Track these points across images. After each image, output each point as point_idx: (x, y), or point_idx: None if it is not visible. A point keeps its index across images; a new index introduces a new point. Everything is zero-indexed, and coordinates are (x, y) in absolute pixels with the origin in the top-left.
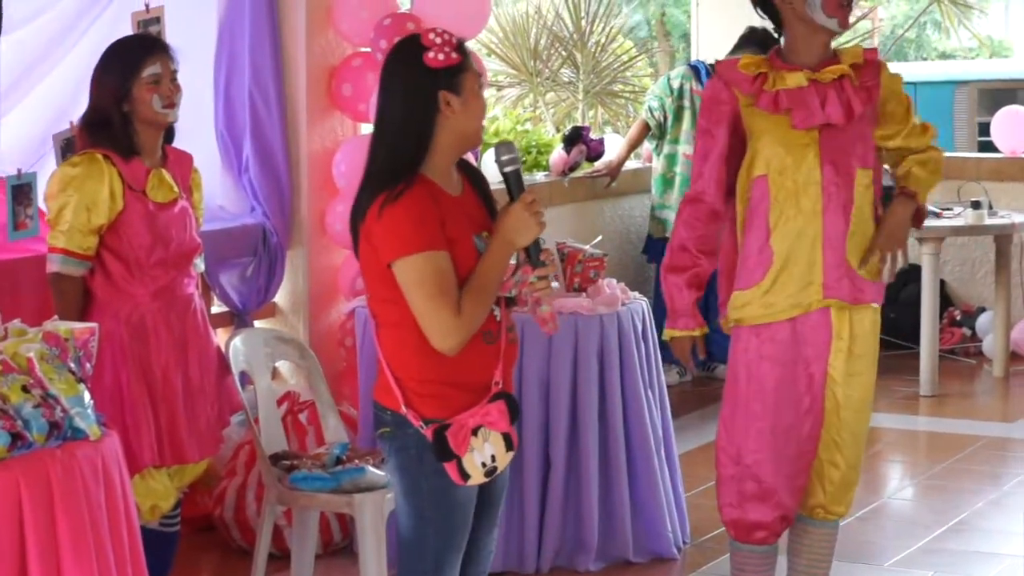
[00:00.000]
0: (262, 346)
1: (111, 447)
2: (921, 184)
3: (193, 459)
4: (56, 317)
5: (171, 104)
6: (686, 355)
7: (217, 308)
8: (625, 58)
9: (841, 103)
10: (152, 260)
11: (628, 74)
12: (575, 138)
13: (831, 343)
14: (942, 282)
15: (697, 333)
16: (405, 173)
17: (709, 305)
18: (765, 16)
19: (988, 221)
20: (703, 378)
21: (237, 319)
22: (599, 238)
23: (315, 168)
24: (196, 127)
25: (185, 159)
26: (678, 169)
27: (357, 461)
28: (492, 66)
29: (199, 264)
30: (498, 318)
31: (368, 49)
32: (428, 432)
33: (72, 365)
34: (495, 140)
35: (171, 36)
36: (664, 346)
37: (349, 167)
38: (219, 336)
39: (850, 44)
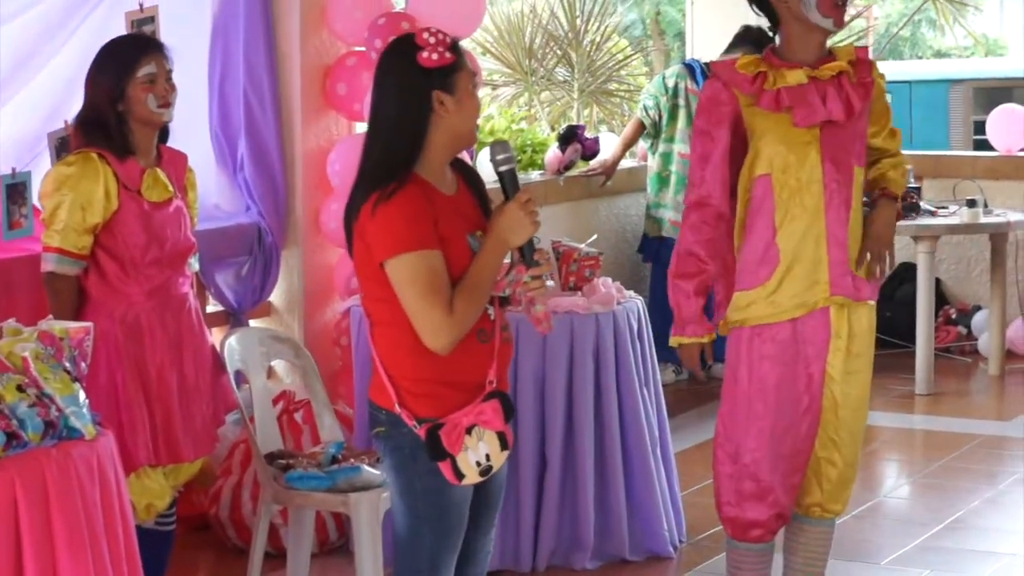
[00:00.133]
0: (257, 345)
1: (106, 446)
2: (899, 188)
3: (188, 458)
4: (51, 316)
5: (166, 104)
6: (695, 362)
7: (212, 307)
8: (620, 57)
9: (841, 100)
10: (147, 259)
11: (623, 73)
12: (570, 137)
13: (830, 342)
14: (938, 280)
15: (705, 340)
16: (399, 172)
17: (705, 307)
18: (761, 14)
19: (983, 219)
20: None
21: (232, 318)
22: (594, 237)
23: (310, 167)
24: (191, 126)
25: (180, 158)
26: (673, 168)
27: (353, 460)
28: (487, 65)
29: (194, 264)
30: (492, 317)
31: (363, 48)
32: (421, 431)
33: (67, 364)
34: (490, 139)
35: (165, 35)
36: (660, 345)
37: (344, 166)
38: (214, 335)
39: (845, 42)
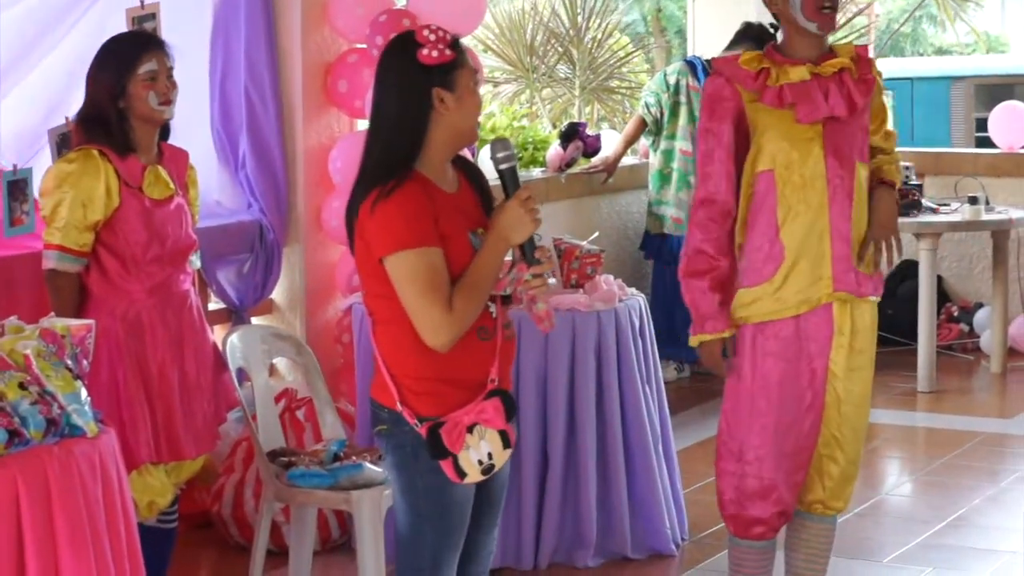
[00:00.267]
0: (259, 343)
1: (108, 444)
2: (895, 178)
3: (190, 455)
4: (53, 314)
5: (167, 101)
6: (717, 359)
7: (214, 305)
8: (621, 54)
9: (843, 96)
10: (148, 257)
11: (624, 70)
12: (571, 134)
13: (833, 338)
14: (939, 278)
15: (727, 335)
16: (399, 169)
17: None
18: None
19: (985, 217)
20: (701, 374)
21: (234, 316)
22: (596, 234)
23: (311, 164)
24: (192, 124)
25: (181, 156)
26: (675, 165)
27: (355, 458)
28: (488, 62)
29: (195, 261)
30: (494, 315)
31: (364, 45)
32: (422, 430)
33: (69, 362)
34: (491, 136)
35: (166, 32)
36: (662, 342)
37: (345, 163)
38: (216, 333)
39: (846, 40)
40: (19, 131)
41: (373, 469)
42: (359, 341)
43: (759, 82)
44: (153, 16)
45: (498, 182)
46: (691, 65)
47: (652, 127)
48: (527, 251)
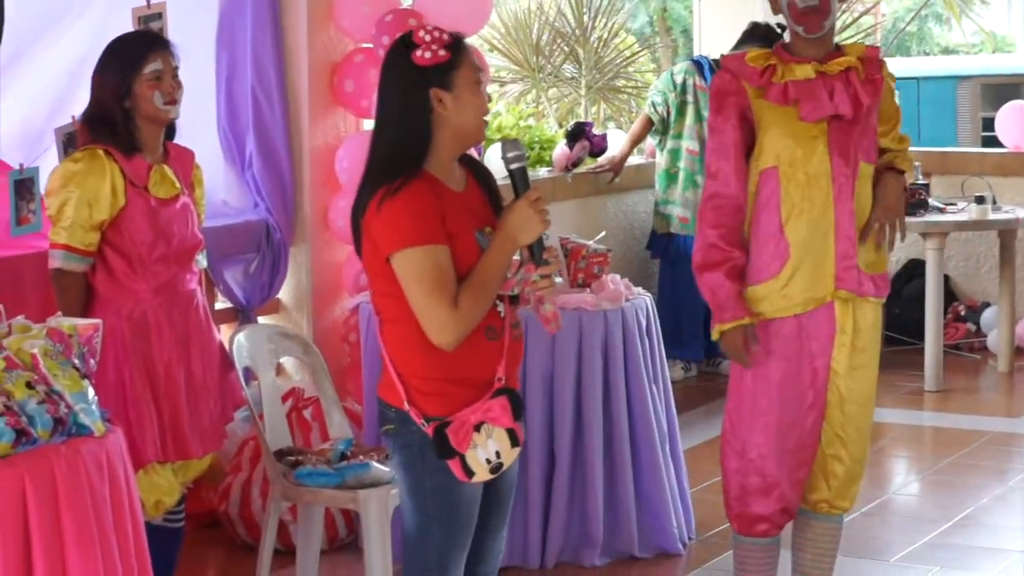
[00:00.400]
0: (266, 342)
1: (115, 443)
2: (906, 169)
3: (196, 455)
4: (60, 313)
5: (172, 101)
6: (739, 348)
7: (221, 304)
8: (628, 53)
9: (848, 95)
10: (154, 256)
11: (631, 69)
12: (578, 134)
13: (835, 337)
14: (946, 277)
15: (747, 321)
16: (406, 168)
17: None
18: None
19: (992, 216)
20: (708, 373)
21: (241, 315)
22: (602, 234)
23: (318, 164)
24: (199, 123)
25: (187, 155)
26: (681, 164)
27: (362, 457)
28: (494, 62)
29: (201, 260)
30: (502, 314)
31: (370, 45)
32: (429, 429)
33: (76, 361)
34: (498, 136)
35: (172, 31)
36: (668, 342)
37: (352, 163)
38: (223, 332)
39: (853, 39)
40: (22, 129)
41: (380, 468)
42: (366, 340)
43: (764, 78)
44: (159, 16)
45: (505, 181)
46: (698, 64)
47: (659, 126)
48: (535, 252)
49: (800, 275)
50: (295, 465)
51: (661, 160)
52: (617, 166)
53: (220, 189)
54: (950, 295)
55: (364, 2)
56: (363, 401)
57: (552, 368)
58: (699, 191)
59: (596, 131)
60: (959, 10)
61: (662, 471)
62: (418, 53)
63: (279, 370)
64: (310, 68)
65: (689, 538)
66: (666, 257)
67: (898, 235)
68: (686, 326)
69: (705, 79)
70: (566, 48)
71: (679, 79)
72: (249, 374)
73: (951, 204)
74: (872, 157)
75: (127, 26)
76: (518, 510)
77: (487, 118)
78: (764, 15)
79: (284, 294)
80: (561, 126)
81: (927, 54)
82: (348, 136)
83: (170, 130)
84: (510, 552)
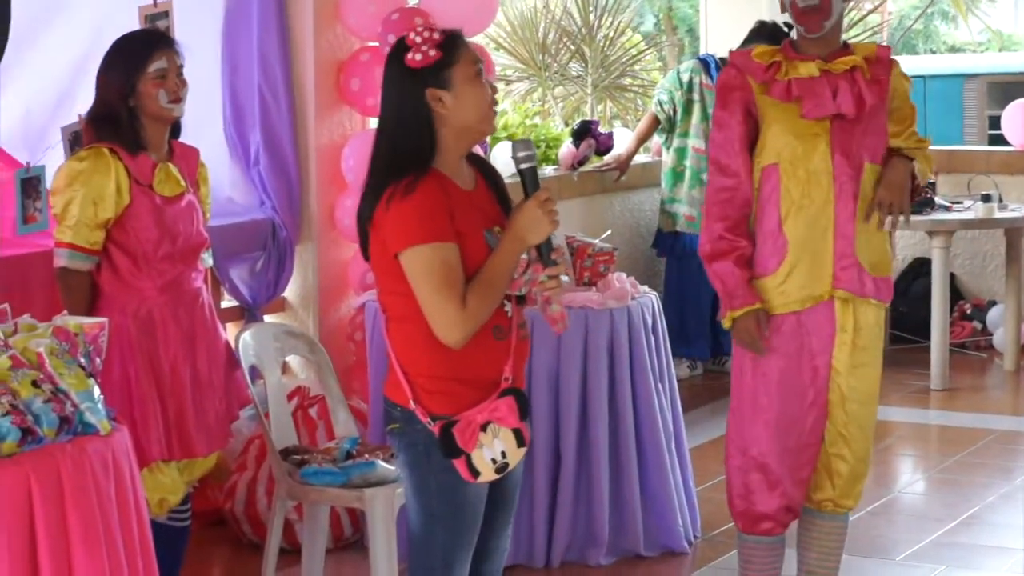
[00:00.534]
0: (272, 341)
1: (121, 441)
2: (917, 158)
3: (201, 453)
4: (65, 312)
5: (177, 99)
6: (752, 335)
7: (227, 302)
8: (634, 52)
9: (852, 94)
10: (159, 254)
11: (637, 68)
12: (584, 132)
13: (835, 335)
14: (952, 276)
15: (757, 306)
16: (414, 168)
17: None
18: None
19: (998, 214)
20: (714, 372)
21: (247, 313)
22: (608, 232)
23: (324, 162)
24: (204, 121)
25: (192, 153)
26: (688, 163)
27: (367, 455)
28: (501, 60)
29: (207, 259)
30: (509, 314)
31: (376, 43)
32: (435, 429)
33: (82, 360)
34: (504, 134)
35: (179, 30)
36: (674, 340)
37: (358, 161)
38: (229, 331)
39: (859, 37)
40: (24, 123)
41: (386, 467)
42: (372, 339)
43: (769, 75)
44: (166, 14)
45: (513, 180)
46: (704, 63)
47: (665, 125)
48: (543, 252)
49: (797, 272)
50: (301, 464)
51: (667, 158)
52: (623, 164)
53: (226, 187)
54: (956, 293)
55: (370, 1)
56: (369, 400)
57: (558, 366)
58: (705, 189)
59: (602, 129)
60: (966, 8)
61: (668, 470)
62: (409, 56)
63: (285, 368)
64: (316, 66)
65: (695, 537)
66: (672, 255)
67: (900, 228)
68: (692, 324)
69: (711, 78)
70: (572, 47)
71: (685, 77)
72: (255, 372)
73: (957, 202)
74: (878, 158)
75: (129, 19)
76: (523, 509)
77: (495, 108)
78: (770, 13)
79: (290, 292)
80: (567, 124)
81: (933, 52)
82: (354, 134)
83: (175, 128)
84: (515, 551)
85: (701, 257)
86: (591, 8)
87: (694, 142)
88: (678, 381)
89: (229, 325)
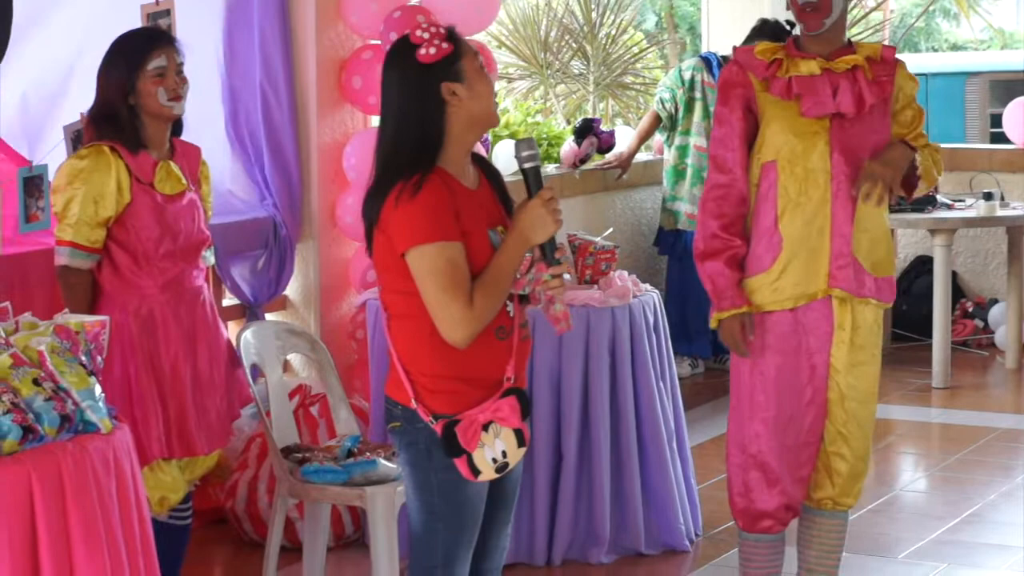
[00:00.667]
0: (273, 339)
1: (122, 440)
2: (923, 154)
3: (202, 451)
4: (67, 310)
5: (177, 97)
6: (736, 338)
7: (228, 301)
8: (636, 50)
9: (853, 94)
10: (160, 252)
11: (639, 66)
12: (586, 130)
13: (833, 334)
14: (954, 274)
15: (745, 310)
16: (421, 166)
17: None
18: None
19: (1000, 212)
20: (715, 370)
21: (248, 312)
22: (610, 230)
23: (325, 161)
24: (206, 120)
25: (193, 152)
26: (689, 161)
27: (368, 454)
28: (502, 58)
29: (209, 257)
30: (511, 314)
31: (378, 42)
32: (437, 427)
33: (83, 358)
34: (506, 132)
35: (181, 28)
36: (676, 338)
37: (359, 160)
38: (230, 329)
39: (862, 35)
40: (22, 116)
41: (387, 465)
42: (373, 337)
43: (770, 71)
44: (168, 12)
45: (514, 178)
46: (706, 61)
47: (667, 123)
48: (547, 251)
49: (791, 270)
50: (302, 462)
51: (669, 156)
52: (625, 162)
53: (227, 185)
54: (958, 291)
55: None
56: (370, 398)
57: (559, 364)
58: None
59: (604, 128)
60: (968, 6)
61: (669, 468)
62: (422, 51)
63: (286, 367)
64: (318, 64)
65: (696, 535)
66: (673, 253)
67: (902, 228)
68: (693, 322)
69: (713, 75)
70: (574, 45)
71: (687, 75)
72: (256, 371)
73: (959, 200)
74: None
75: (131, 17)
76: (525, 507)
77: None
78: (772, 11)
79: (291, 291)
80: (569, 122)
81: (935, 50)
82: (356, 133)
83: (177, 126)
84: (516, 549)
85: (694, 255)
86: (593, 6)
87: (696, 140)
88: (679, 379)
89: (230, 323)
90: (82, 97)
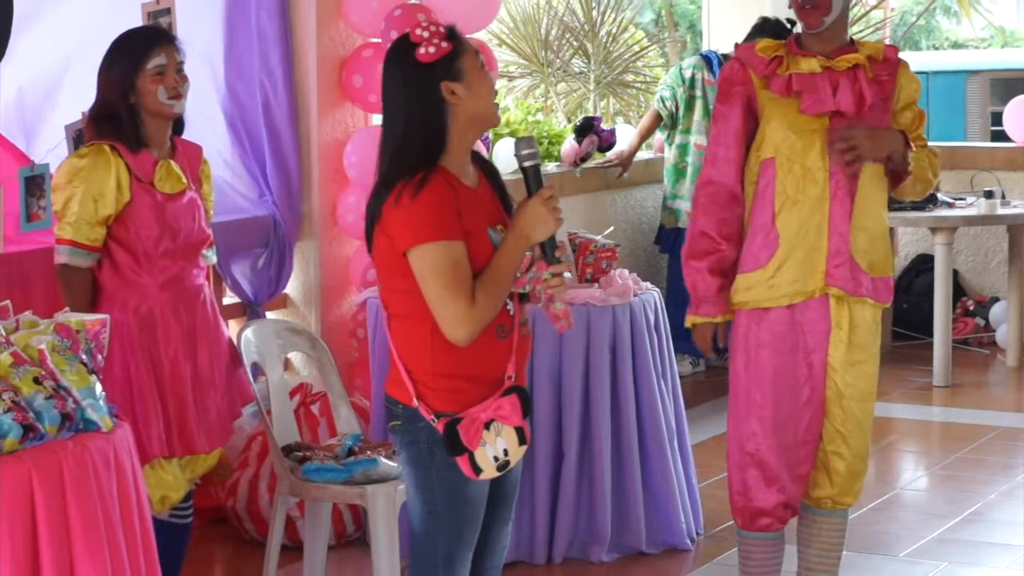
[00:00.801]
0: (274, 337)
1: (123, 438)
2: (919, 154)
3: (203, 450)
4: (67, 308)
5: (177, 95)
6: (707, 343)
7: (229, 299)
8: (636, 48)
9: (853, 92)
10: (160, 251)
11: (639, 64)
12: (587, 128)
13: (830, 333)
14: (955, 272)
15: (719, 320)
16: (423, 165)
17: None
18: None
19: (1001, 211)
20: (717, 368)
21: (249, 310)
22: (611, 228)
23: (326, 159)
24: (207, 118)
25: (194, 150)
26: (690, 159)
27: (369, 452)
28: (503, 56)
29: (210, 256)
30: (511, 312)
31: (379, 40)
32: (439, 426)
33: (84, 357)
34: (506, 131)
35: (181, 26)
36: (677, 336)
37: (360, 158)
38: (231, 327)
39: (862, 33)
40: (18, 110)
41: (388, 464)
42: (374, 336)
43: (770, 69)
44: (168, 11)
45: (514, 177)
46: (707, 59)
47: (667, 121)
48: (547, 249)
49: (787, 268)
50: (303, 461)
51: (669, 155)
52: (626, 161)
53: (228, 184)
54: (959, 290)
55: None
56: (371, 396)
57: (560, 363)
58: None
59: (605, 126)
60: (968, 4)
61: (670, 466)
62: (421, 50)
63: (287, 365)
64: (318, 63)
65: (697, 533)
66: (674, 252)
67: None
68: None
69: (714, 74)
70: (575, 43)
71: (688, 74)
72: (257, 369)
73: (960, 199)
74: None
75: (131, 16)
76: (525, 505)
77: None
78: (772, 9)
79: (292, 289)
80: (570, 121)
81: (936, 48)
82: (356, 131)
83: (178, 125)
84: (517, 547)
85: (681, 253)
86: (594, 5)
87: (696, 138)
88: (680, 377)
89: (231, 322)
90: (80, 94)
